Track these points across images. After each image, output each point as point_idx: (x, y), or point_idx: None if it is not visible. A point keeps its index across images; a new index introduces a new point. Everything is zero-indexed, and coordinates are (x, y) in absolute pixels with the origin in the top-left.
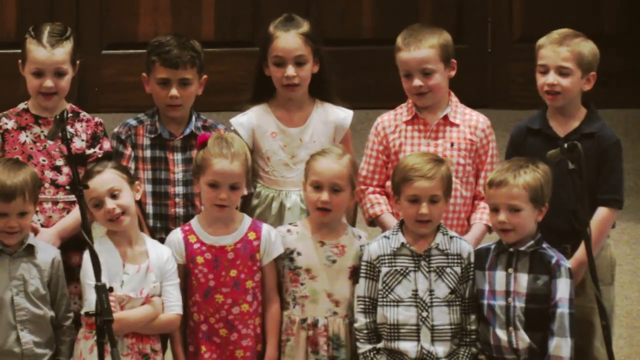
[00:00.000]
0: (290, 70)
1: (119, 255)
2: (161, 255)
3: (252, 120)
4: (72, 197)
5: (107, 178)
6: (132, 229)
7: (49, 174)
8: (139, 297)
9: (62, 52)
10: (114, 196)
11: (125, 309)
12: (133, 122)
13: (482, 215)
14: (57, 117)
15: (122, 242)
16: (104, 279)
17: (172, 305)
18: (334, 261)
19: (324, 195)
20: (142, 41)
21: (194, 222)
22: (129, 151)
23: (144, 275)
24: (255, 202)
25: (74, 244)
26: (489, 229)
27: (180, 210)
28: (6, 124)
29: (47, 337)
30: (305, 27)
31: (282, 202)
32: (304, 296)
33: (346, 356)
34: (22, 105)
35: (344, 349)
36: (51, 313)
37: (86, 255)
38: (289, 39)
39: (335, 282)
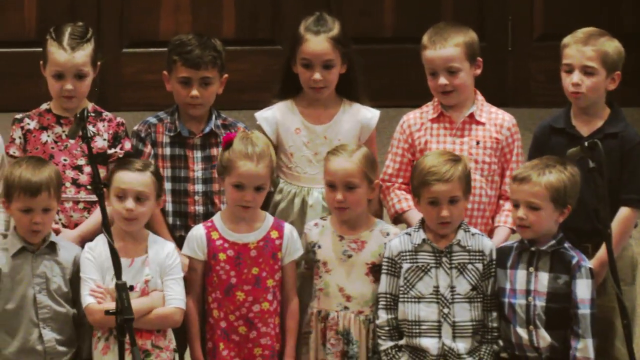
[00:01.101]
0: (317, 75)
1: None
2: (161, 251)
3: (276, 115)
4: (93, 197)
5: (143, 180)
6: None
7: (70, 174)
8: (134, 291)
9: (83, 54)
10: (138, 199)
11: None
12: (153, 120)
13: (506, 219)
14: (78, 115)
15: (123, 236)
16: (96, 270)
17: (172, 299)
18: (349, 256)
19: (338, 195)
20: (162, 39)
21: (217, 219)
22: (148, 149)
23: (138, 270)
24: (277, 197)
25: None
26: (513, 232)
27: (199, 208)
28: (29, 124)
29: (69, 334)
30: (335, 30)
31: (304, 199)
32: (320, 289)
33: (360, 353)
34: (44, 106)
35: (355, 345)
36: (73, 311)
37: (86, 249)
38: (318, 43)
39: (349, 276)
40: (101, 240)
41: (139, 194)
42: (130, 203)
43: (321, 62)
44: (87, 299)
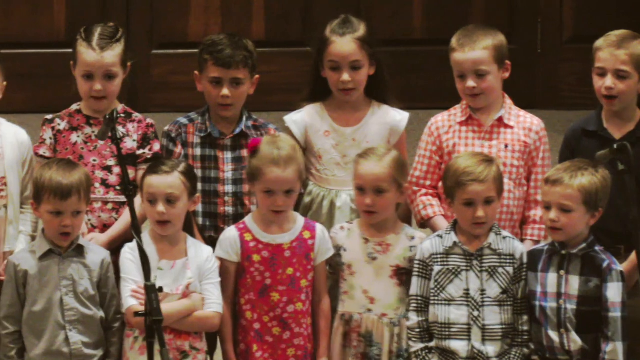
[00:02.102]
0: (346, 76)
1: (155, 250)
2: (200, 254)
3: (305, 118)
4: (122, 198)
5: (171, 182)
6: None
7: (100, 174)
8: (175, 294)
9: (112, 55)
10: (169, 202)
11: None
12: (184, 121)
13: (532, 232)
14: (107, 116)
15: (162, 239)
16: (137, 270)
17: (211, 303)
18: (374, 258)
19: (368, 199)
20: (192, 41)
21: (249, 221)
22: (179, 149)
23: (180, 272)
24: (307, 199)
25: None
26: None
27: (229, 209)
28: (59, 124)
29: (96, 338)
30: (361, 31)
31: (333, 201)
32: (345, 292)
33: (382, 355)
34: (74, 106)
35: (376, 347)
36: (101, 314)
37: (126, 249)
38: (344, 44)
39: (373, 279)
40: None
41: (169, 196)
42: (161, 207)
43: (348, 64)
44: (129, 301)
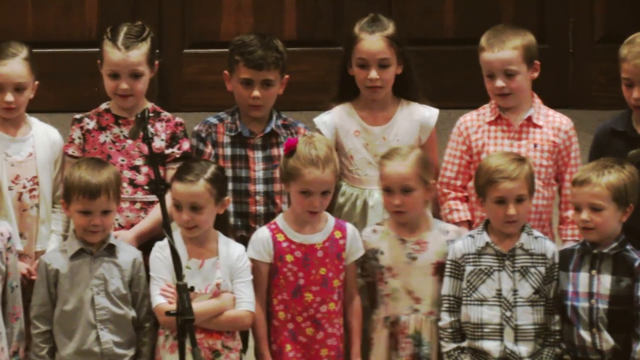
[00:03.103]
0: (374, 74)
1: (185, 249)
2: (232, 253)
3: (335, 119)
4: (150, 197)
5: (195, 191)
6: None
7: (128, 174)
8: (204, 293)
9: (137, 53)
10: (194, 208)
11: None
12: (213, 120)
13: (573, 232)
14: (139, 116)
15: (191, 238)
16: (167, 269)
17: (242, 302)
18: (414, 258)
19: (396, 199)
20: (224, 40)
21: (280, 221)
22: (209, 149)
23: (209, 272)
24: (341, 200)
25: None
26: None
27: (260, 208)
28: (88, 124)
29: (128, 337)
30: (390, 29)
31: (365, 201)
32: (387, 294)
33: (431, 353)
34: (103, 106)
35: (427, 346)
36: (132, 313)
37: (156, 248)
38: (373, 42)
39: (415, 279)
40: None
41: (193, 204)
42: (186, 214)
43: (376, 61)
44: (157, 299)
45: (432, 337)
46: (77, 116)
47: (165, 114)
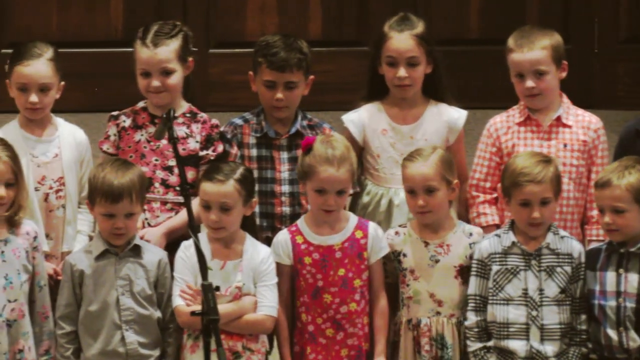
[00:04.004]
0: (402, 72)
1: (209, 250)
2: (256, 256)
3: (363, 117)
4: (182, 199)
5: (225, 191)
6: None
7: (160, 174)
8: (223, 295)
9: (166, 50)
10: (223, 209)
11: None
12: (239, 121)
13: (597, 232)
14: (164, 116)
15: (217, 239)
16: (188, 270)
17: (263, 306)
18: (437, 261)
19: (420, 200)
20: (249, 40)
21: (300, 223)
22: (234, 150)
23: (230, 273)
24: (366, 199)
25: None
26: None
27: (286, 209)
28: (124, 121)
29: (153, 338)
30: (419, 28)
31: (391, 200)
32: (409, 297)
33: (453, 356)
34: (141, 104)
35: (450, 349)
36: (158, 314)
37: (182, 247)
38: (402, 40)
39: (438, 281)
40: None
41: (222, 204)
42: (214, 214)
43: (405, 59)
44: (177, 300)
45: (454, 339)
46: (114, 113)
47: (202, 115)
